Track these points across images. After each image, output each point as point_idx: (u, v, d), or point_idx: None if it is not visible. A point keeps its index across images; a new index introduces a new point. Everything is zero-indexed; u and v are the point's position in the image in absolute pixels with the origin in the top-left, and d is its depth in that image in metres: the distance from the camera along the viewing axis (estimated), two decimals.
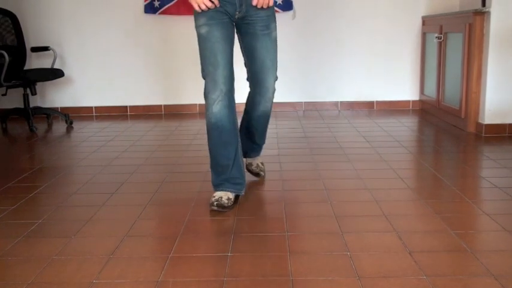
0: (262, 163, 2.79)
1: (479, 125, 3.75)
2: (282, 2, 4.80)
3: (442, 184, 2.59)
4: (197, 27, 2.28)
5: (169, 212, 2.30)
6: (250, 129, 2.60)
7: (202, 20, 2.26)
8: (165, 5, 4.82)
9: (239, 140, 2.38)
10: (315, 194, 2.48)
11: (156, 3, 4.83)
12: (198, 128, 4.24)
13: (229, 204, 2.28)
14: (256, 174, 2.74)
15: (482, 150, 3.32)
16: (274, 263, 1.74)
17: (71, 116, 4.65)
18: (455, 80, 4.01)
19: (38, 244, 1.95)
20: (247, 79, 2.48)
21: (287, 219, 2.15)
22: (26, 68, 4.68)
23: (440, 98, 4.35)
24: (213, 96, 2.24)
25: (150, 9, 4.86)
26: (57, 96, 5.08)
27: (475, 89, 3.75)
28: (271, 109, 2.55)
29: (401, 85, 5.01)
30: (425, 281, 1.59)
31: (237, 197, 2.38)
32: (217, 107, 2.24)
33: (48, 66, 4.78)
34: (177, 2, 4.79)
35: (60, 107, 5.06)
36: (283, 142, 3.63)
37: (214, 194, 2.31)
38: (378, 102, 5.04)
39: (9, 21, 4.56)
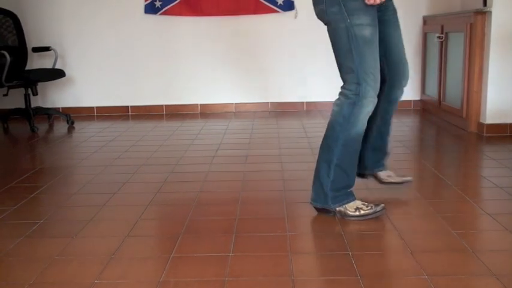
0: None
1: (480, 125, 3.75)
2: (283, 2, 4.80)
3: (443, 184, 2.59)
4: (357, 25, 1.99)
5: (171, 212, 2.31)
6: (384, 137, 2.37)
7: (366, 20, 2.00)
8: (167, 6, 4.82)
9: None
10: None
11: (158, 4, 4.83)
12: (200, 128, 4.24)
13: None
14: (402, 182, 2.46)
15: (484, 149, 3.32)
16: (275, 263, 1.74)
17: (72, 116, 4.65)
18: (457, 80, 4.01)
19: (39, 244, 1.95)
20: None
21: (288, 219, 2.15)
22: (27, 68, 4.68)
23: (441, 97, 4.35)
24: (371, 102, 2.06)
25: (150, 9, 4.86)
26: (58, 96, 5.09)
27: (476, 89, 3.75)
28: None
29: None
30: (427, 280, 1.59)
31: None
32: (367, 115, 2.08)
33: (50, 66, 4.78)
34: (179, 2, 4.79)
35: (62, 107, 5.07)
36: (284, 142, 3.63)
37: (365, 204, 2.15)
38: None
39: (11, 22, 4.57)
